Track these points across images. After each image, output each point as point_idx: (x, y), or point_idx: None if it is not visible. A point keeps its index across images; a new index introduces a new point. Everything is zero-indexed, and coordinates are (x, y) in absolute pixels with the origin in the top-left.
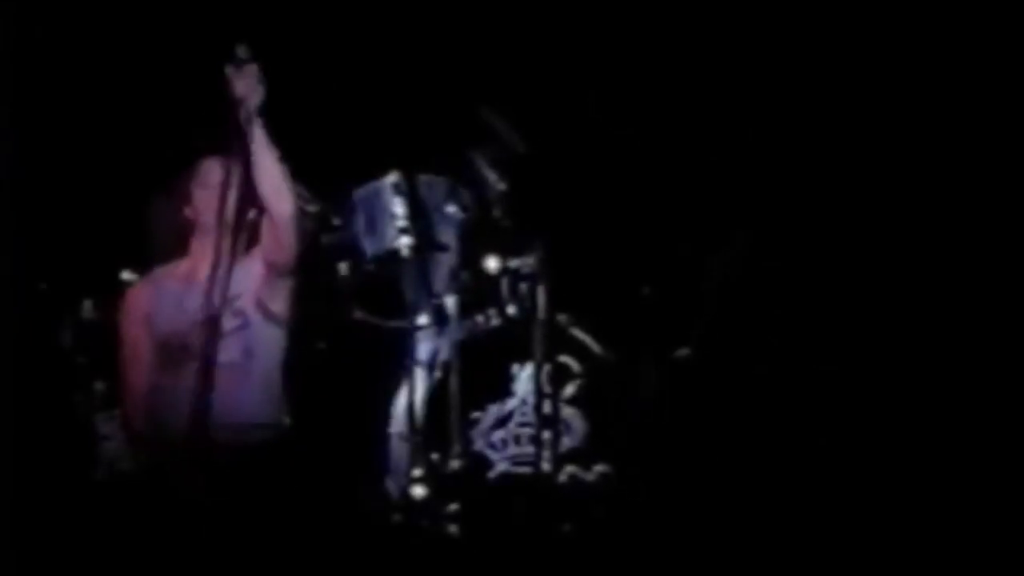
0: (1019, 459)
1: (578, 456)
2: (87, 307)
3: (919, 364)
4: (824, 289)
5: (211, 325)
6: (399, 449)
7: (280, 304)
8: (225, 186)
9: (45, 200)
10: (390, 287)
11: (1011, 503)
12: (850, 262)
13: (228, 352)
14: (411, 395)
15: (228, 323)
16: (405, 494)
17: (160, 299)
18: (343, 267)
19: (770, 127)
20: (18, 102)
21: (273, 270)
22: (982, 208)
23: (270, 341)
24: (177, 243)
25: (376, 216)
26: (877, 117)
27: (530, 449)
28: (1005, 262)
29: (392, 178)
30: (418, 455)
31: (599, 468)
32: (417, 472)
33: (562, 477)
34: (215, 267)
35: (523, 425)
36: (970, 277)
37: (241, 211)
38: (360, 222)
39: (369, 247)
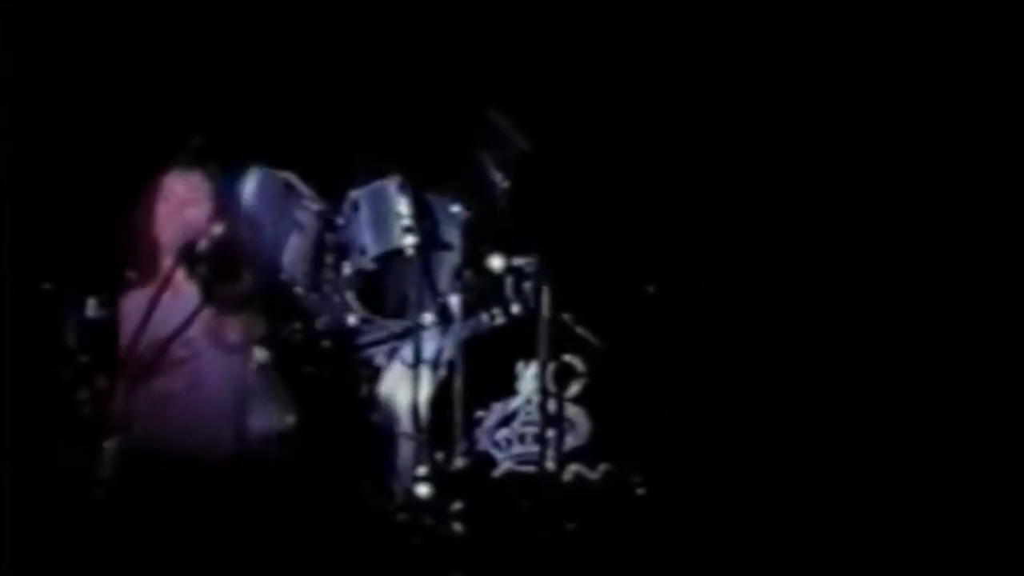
0: (1019, 459)
1: (582, 455)
2: (91, 305)
3: (917, 363)
4: (821, 288)
5: (154, 354)
6: (404, 448)
7: (235, 332)
8: (185, 204)
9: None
10: (394, 286)
11: (1011, 503)
12: (847, 260)
13: (172, 382)
14: (416, 394)
15: (177, 352)
16: (410, 493)
17: (126, 320)
18: (346, 266)
19: (768, 126)
20: (18, 102)
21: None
22: (978, 205)
23: (221, 371)
24: (148, 261)
25: (380, 215)
26: (873, 117)
27: (535, 448)
28: (1002, 257)
29: (396, 177)
30: (423, 454)
31: (603, 467)
32: (422, 471)
33: (567, 476)
34: (158, 293)
35: (528, 424)
36: (967, 277)
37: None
38: (364, 221)
39: (373, 246)
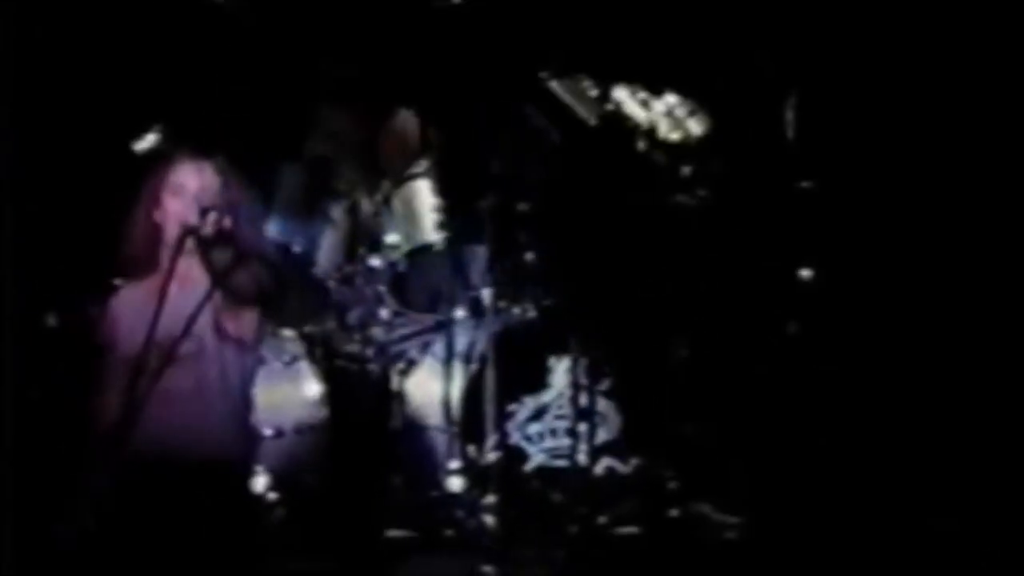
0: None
1: (614, 448)
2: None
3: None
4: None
5: (160, 351)
6: (436, 442)
7: (244, 328)
8: (200, 197)
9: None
10: (425, 281)
11: (1012, 503)
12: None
13: (177, 381)
14: (448, 388)
15: (182, 349)
16: (442, 486)
17: (125, 317)
18: (377, 260)
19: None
20: (18, 102)
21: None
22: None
23: (228, 369)
24: (148, 254)
25: (411, 209)
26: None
27: (566, 442)
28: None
29: (427, 172)
30: (455, 447)
31: (635, 461)
32: (454, 464)
33: (598, 470)
34: (164, 286)
35: (559, 418)
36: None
37: (213, 227)
38: (395, 215)
39: (404, 241)
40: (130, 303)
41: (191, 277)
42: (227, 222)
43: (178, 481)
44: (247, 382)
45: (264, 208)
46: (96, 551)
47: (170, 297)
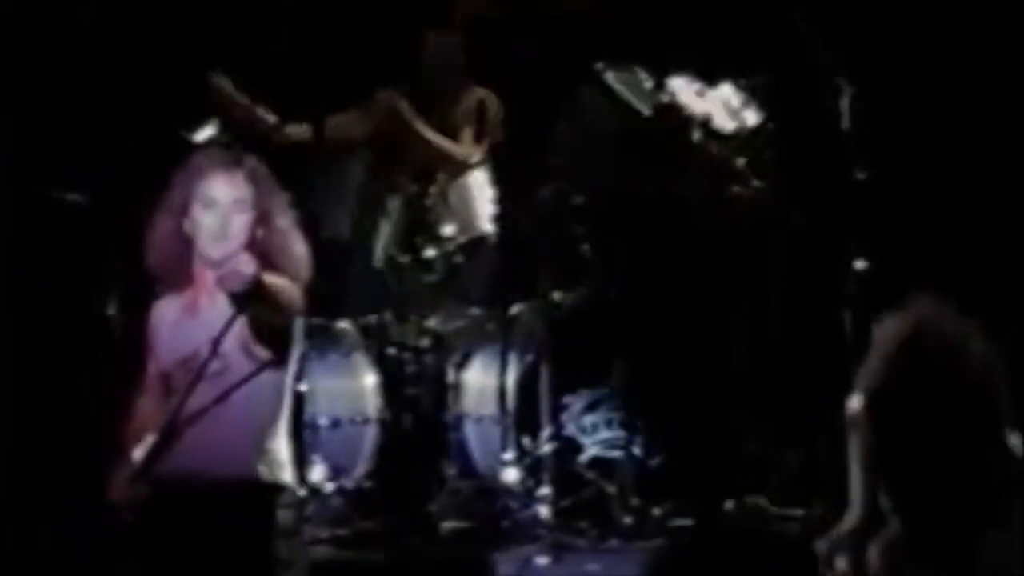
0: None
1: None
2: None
3: None
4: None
5: (187, 369)
6: (490, 433)
7: (273, 346)
8: (234, 209)
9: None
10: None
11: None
12: None
13: (200, 399)
14: (503, 378)
15: (208, 366)
16: (496, 477)
17: (159, 331)
18: (431, 251)
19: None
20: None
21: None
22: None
23: (254, 388)
24: (179, 268)
25: (465, 202)
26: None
27: (621, 433)
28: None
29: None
30: (509, 438)
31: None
32: (508, 455)
33: (653, 461)
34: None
35: (614, 409)
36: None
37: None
38: (450, 207)
39: (459, 232)
40: (164, 317)
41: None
42: (258, 233)
43: (199, 501)
44: (277, 400)
45: (298, 210)
46: (119, 569)
47: (201, 312)
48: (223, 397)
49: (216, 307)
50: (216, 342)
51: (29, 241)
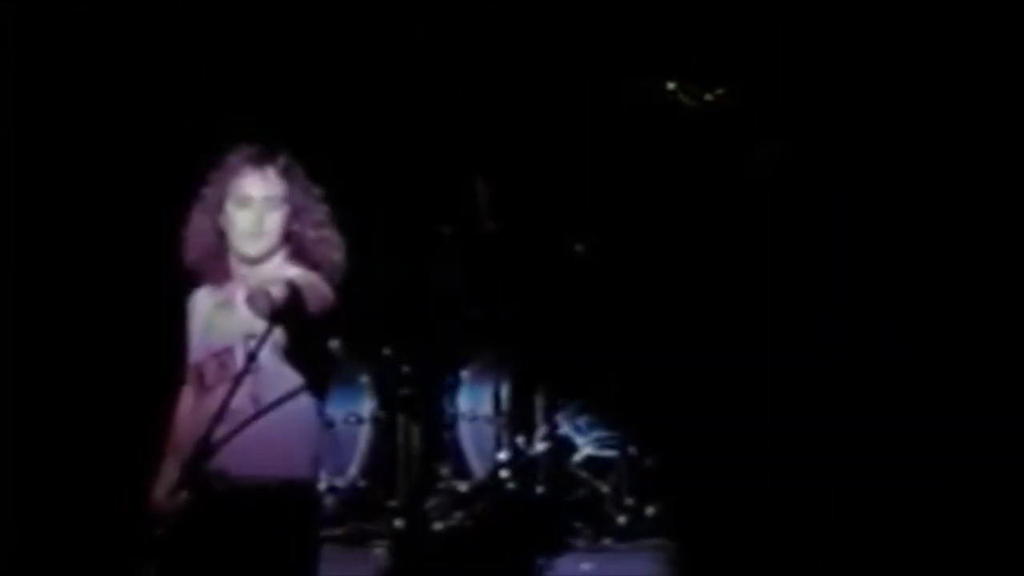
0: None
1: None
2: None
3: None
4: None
5: (221, 364)
6: (485, 432)
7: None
8: (268, 207)
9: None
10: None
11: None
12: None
13: (236, 398)
14: (497, 379)
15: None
16: (492, 476)
17: (194, 322)
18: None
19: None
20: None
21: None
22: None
23: (284, 387)
24: (216, 263)
25: None
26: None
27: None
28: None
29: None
30: (504, 438)
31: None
32: (503, 455)
33: (648, 460)
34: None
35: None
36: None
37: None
38: None
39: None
40: (198, 308)
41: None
42: (294, 228)
43: (234, 500)
44: (310, 402)
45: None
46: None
47: (236, 307)
48: (262, 413)
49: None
50: (251, 357)
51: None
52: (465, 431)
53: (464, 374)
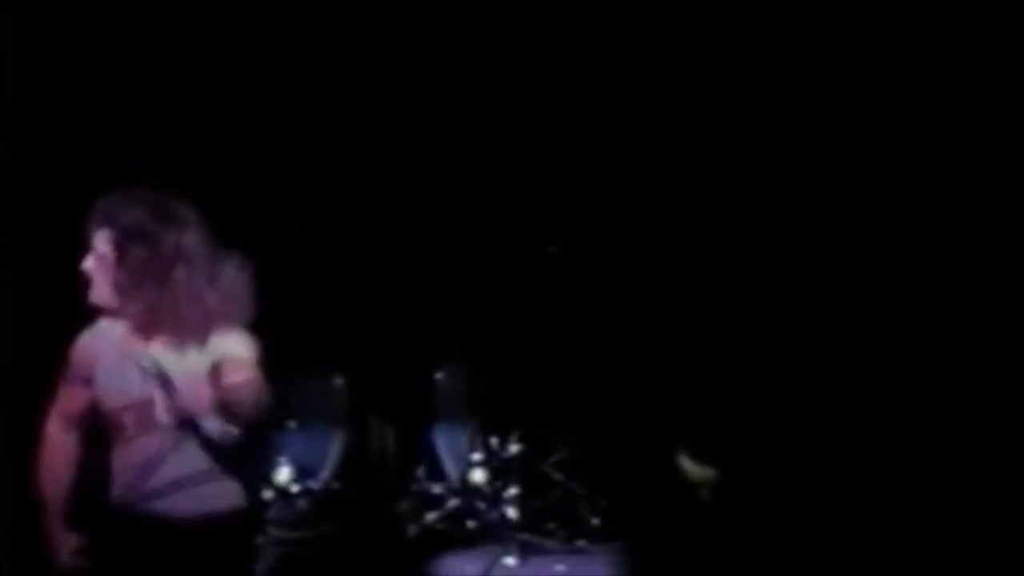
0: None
1: None
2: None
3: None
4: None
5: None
6: (456, 434)
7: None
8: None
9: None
10: None
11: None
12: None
13: (152, 444)
14: (471, 379)
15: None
16: (464, 479)
17: (102, 361)
18: None
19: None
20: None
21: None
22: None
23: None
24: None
25: None
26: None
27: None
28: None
29: None
30: (478, 439)
31: None
32: (477, 456)
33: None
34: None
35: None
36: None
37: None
38: None
39: None
40: (109, 344)
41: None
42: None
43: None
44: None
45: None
46: None
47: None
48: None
49: (174, 349)
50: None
51: None
52: (440, 433)
53: (439, 376)
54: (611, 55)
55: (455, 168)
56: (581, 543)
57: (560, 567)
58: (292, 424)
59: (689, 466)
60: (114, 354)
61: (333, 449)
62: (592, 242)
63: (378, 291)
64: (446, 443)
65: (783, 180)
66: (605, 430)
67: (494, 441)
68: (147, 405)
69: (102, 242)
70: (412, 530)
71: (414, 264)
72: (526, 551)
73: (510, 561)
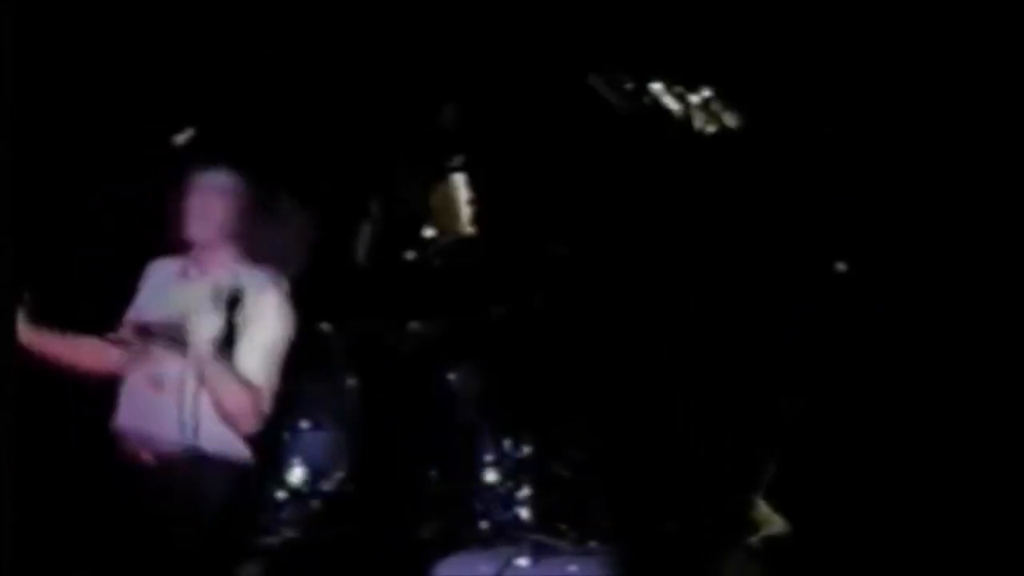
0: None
1: None
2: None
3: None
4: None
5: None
6: (468, 435)
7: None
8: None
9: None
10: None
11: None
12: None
13: (172, 366)
14: (483, 381)
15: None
16: (477, 480)
17: (147, 287)
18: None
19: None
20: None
21: None
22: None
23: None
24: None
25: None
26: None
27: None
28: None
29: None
30: (490, 441)
31: None
32: (489, 457)
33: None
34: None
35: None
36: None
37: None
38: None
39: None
40: (159, 277)
41: (216, 260)
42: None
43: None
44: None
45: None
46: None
47: (189, 279)
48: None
49: (203, 279)
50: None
51: None
52: (452, 434)
53: (451, 376)
54: (611, 55)
55: (468, 167)
56: (593, 544)
57: (573, 568)
58: (305, 425)
59: (763, 510)
60: (162, 281)
61: (346, 450)
62: (606, 242)
63: (391, 290)
64: (458, 444)
65: (791, 181)
66: (617, 431)
67: (507, 442)
68: (178, 325)
69: (218, 179)
70: (425, 531)
71: (426, 263)
72: (539, 552)
73: (522, 562)
